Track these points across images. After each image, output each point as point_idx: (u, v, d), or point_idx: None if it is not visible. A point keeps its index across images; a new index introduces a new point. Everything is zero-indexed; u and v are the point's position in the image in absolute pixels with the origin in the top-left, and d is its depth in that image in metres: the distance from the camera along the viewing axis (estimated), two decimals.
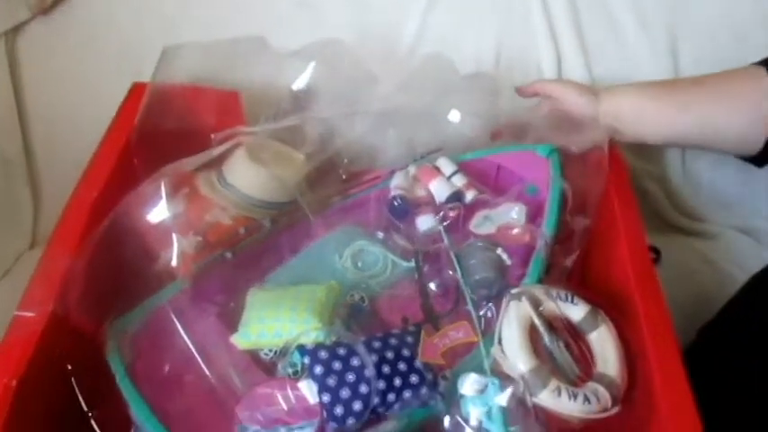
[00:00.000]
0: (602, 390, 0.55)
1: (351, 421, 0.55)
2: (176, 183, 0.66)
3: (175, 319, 0.62)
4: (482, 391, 0.54)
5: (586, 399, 0.54)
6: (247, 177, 0.67)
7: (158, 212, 0.59)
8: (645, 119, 0.74)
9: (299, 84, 0.73)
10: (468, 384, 0.55)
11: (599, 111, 0.76)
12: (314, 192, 0.72)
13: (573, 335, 0.59)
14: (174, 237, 0.59)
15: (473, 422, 0.54)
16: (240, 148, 0.68)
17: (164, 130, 0.65)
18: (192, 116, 0.68)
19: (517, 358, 0.55)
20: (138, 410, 0.54)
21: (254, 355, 0.62)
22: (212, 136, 0.65)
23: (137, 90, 0.74)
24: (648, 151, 0.92)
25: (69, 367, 0.54)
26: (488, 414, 0.53)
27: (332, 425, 0.55)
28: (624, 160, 0.79)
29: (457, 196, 0.75)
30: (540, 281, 0.66)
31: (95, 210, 0.62)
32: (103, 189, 0.64)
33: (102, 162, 0.65)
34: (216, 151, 0.65)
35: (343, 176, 0.76)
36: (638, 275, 0.63)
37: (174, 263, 0.62)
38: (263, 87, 0.76)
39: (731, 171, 0.83)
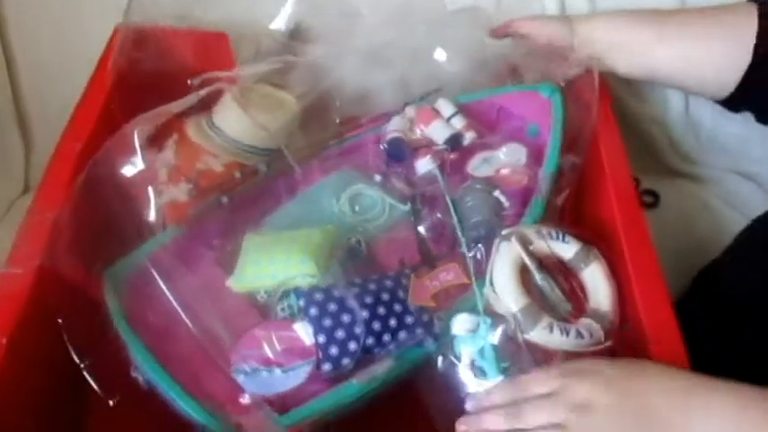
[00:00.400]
0: (594, 325, 0.56)
1: (346, 361, 0.56)
2: (165, 129, 0.65)
3: (171, 264, 0.63)
4: (474, 330, 0.55)
5: (579, 334, 0.54)
6: (236, 123, 0.66)
7: (134, 164, 0.58)
8: (619, 48, 0.71)
9: (279, 22, 0.71)
10: (460, 324, 0.55)
11: (574, 41, 0.73)
12: (307, 136, 0.71)
13: (565, 273, 0.59)
14: (150, 190, 0.58)
15: (465, 361, 0.54)
16: (228, 92, 0.67)
17: (144, 74, 0.63)
18: (175, 59, 0.66)
19: (508, 297, 0.56)
20: (136, 352, 0.55)
21: (250, 298, 0.63)
22: (189, 81, 0.63)
23: (120, 34, 0.73)
24: (651, 95, 0.90)
25: (60, 321, 0.54)
26: (481, 352, 0.54)
27: (327, 365, 0.56)
28: (609, 91, 0.76)
29: (456, 138, 0.74)
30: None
31: (81, 160, 0.62)
32: (88, 139, 0.63)
33: (87, 111, 0.64)
34: (196, 97, 0.63)
35: (337, 120, 0.75)
36: (625, 216, 0.63)
37: (152, 217, 0.62)
38: (240, 26, 0.74)
39: (735, 115, 0.80)
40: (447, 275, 0.62)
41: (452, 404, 0.56)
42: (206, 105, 0.68)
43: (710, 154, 0.90)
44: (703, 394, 0.47)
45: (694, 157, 0.91)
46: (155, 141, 0.66)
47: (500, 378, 0.53)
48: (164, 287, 0.61)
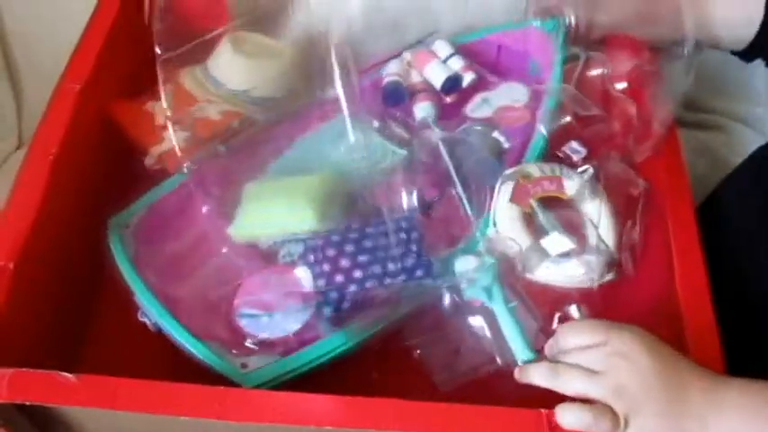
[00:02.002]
0: (598, 260, 0.57)
1: (346, 305, 0.58)
2: (161, 78, 0.66)
3: (173, 212, 0.65)
4: (479, 270, 0.56)
5: (582, 271, 0.56)
6: (233, 71, 0.67)
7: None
8: None
9: None
10: (465, 265, 0.57)
11: None
12: (303, 83, 0.71)
13: (567, 208, 0.60)
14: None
15: (473, 302, 0.56)
16: (224, 40, 0.67)
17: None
18: (178, 9, 0.66)
19: (512, 237, 0.57)
20: (143, 297, 0.57)
21: (251, 247, 0.64)
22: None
23: None
24: None
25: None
26: (488, 292, 0.55)
27: (327, 308, 0.57)
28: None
29: (454, 79, 0.74)
30: (542, 158, 0.66)
31: (80, 101, 0.63)
32: (87, 80, 0.64)
33: (85, 54, 0.64)
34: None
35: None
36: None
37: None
38: None
39: (734, 58, 0.79)
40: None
41: (451, 349, 0.57)
42: (200, 55, 0.68)
43: (709, 98, 0.89)
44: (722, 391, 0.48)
45: (694, 103, 0.90)
46: (151, 92, 0.67)
47: (508, 318, 0.54)
48: (167, 235, 0.64)
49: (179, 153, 0.60)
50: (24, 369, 0.49)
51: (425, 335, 0.59)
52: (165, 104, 0.60)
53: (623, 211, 0.62)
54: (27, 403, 0.48)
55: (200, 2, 0.68)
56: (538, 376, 0.51)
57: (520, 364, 0.53)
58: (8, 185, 0.56)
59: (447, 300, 0.57)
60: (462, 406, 0.49)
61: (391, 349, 0.59)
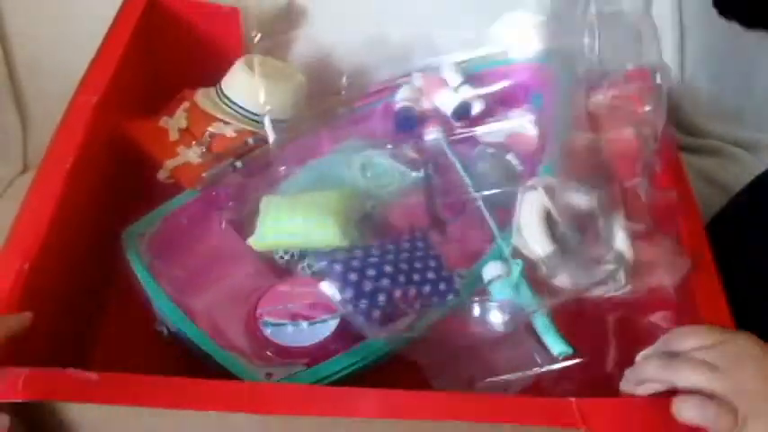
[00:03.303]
0: (617, 269, 0.58)
1: (376, 314, 0.57)
2: (175, 100, 0.66)
3: (189, 224, 0.64)
4: (505, 275, 0.56)
5: (602, 279, 0.57)
6: (247, 92, 0.67)
7: None
8: None
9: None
10: (491, 270, 0.57)
11: None
12: (313, 108, 0.73)
13: (583, 222, 0.62)
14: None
15: (504, 304, 0.56)
16: (238, 62, 0.68)
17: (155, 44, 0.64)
18: (185, 31, 0.67)
19: (536, 243, 0.58)
20: (162, 305, 0.55)
21: (269, 260, 0.64)
22: None
23: (131, 2, 0.74)
24: None
25: None
26: (516, 291, 0.55)
27: (359, 318, 0.56)
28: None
29: (464, 108, 0.76)
30: None
31: (96, 114, 0.63)
32: (102, 95, 0.64)
33: (102, 68, 0.64)
34: None
35: (342, 92, 0.77)
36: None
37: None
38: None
39: (732, 83, 0.84)
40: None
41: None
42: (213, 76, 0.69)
43: (708, 123, 0.93)
44: None
45: (692, 128, 0.94)
46: (166, 109, 0.67)
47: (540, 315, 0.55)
48: (182, 247, 0.62)
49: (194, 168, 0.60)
50: (41, 368, 0.46)
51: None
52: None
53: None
54: (45, 402, 0.46)
55: (216, 23, 0.69)
56: (652, 368, 0.48)
57: (557, 357, 0.53)
58: (14, 209, 0.54)
59: (480, 306, 0.57)
60: (493, 396, 0.49)
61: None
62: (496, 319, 0.58)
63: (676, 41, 0.89)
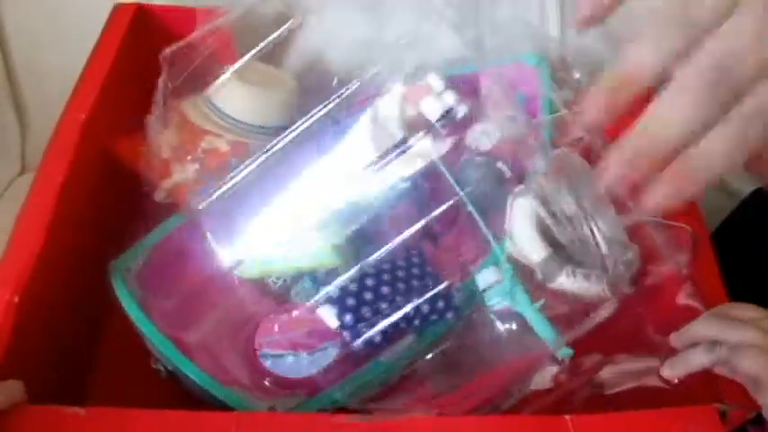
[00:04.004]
0: (615, 272, 0.58)
1: (377, 338, 0.56)
2: (166, 110, 0.64)
3: (177, 253, 0.62)
4: (500, 281, 0.56)
5: (600, 279, 0.57)
6: (239, 100, 0.65)
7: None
8: None
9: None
10: (486, 277, 0.57)
11: None
12: (304, 114, 0.71)
13: (577, 223, 0.62)
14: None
15: (500, 310, 0.56)
16: (227, 69, 0.66)
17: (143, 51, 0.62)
18: (175, 38, 0.65)
19: (530, 249, 0.59)
20: (157, 343, 0.54)
21: (261, 286, 0.62)
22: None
23: (120, 12, 0.71)
24: None
25: None
26: (512, 297, 0.55)
27: (358, 343, 0.56)
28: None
29: (449, 113, 0.75)
30: None
31: (85, 130, 0.61)
32: (92, 110, 0.62)
33: (90, 83, 0.62)
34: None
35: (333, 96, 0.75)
36: None
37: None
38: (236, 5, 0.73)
39: None
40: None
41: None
42: (198, 85, 0.67)
43: None
44: None
45: None
46: (158, 122, 0.65)
47: (537, 316, 0.55)
48: (173, 277, 0.61)
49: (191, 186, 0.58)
50: (29, 405, 0.46)
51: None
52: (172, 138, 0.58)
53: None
54: None
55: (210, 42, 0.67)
56: (705, 326, 0.49)
57: (560, 360, 0.54)
58: (13, 210, 0.53)
59: (478, 316, 0.57)
60: (487, 418, 0.50)
61: None
62: (497, 328, 0.58)
63: None
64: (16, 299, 0.50)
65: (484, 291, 0.57)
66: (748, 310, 0.51)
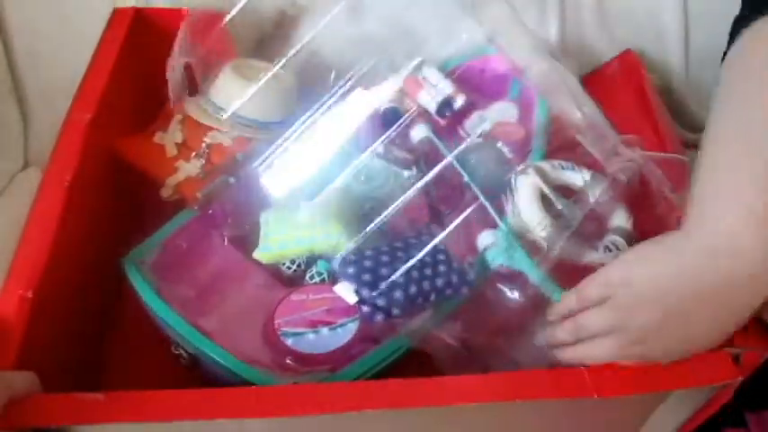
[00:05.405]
0: (619, 239, 0.59)
1: (396, 311, 0.57)
2: (167, 113, 0.66)
3: (190, 245, 0.63)
4: (498, 242, 0.59)
5: (607, 248, 0.59)
6: (238, 96, 0.67)
7: None
8: None
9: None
10: (485, 238, 0.60)
11: None
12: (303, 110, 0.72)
13: (578, 200, 0.64)
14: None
15: (500, 269, 0.58)
16: (225, 68, 0.67)
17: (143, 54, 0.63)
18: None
19: (535, 223, 0.60)
20: (178, 328, 0.54)
21: (274, 273, 0.63)
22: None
23: (118, 15, 0.73)
24: (651, 61, 0.92)
25: None
26: (510, 254, 0.57)
27: (379, 316, 0.56)
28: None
29: (447, 103, 0.77)
30: None
31: (90, 131, 0.62)
32: (97, 110, 0.63)
33: (89, 96, 0.64)
34: None
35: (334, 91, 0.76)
36: None
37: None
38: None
39: None
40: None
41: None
42: (196, 86, 0.68)
43: None
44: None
45: (699, 125, 0.94)
46: (157, 124, 0.66)
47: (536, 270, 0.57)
48: (187, 268, 0.61)
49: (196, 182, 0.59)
50: (48, 394, 0.47)
51: None
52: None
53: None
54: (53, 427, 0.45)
55: (205, 31, 0.68)
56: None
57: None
58: (15, 204, 0.53)
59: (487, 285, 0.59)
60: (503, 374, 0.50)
61: None
62: (510, 294, 0.59)
63: (681, 37, 0.90)
64: (30, 294, 0.51)
65: (484, 250, 0.58)
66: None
